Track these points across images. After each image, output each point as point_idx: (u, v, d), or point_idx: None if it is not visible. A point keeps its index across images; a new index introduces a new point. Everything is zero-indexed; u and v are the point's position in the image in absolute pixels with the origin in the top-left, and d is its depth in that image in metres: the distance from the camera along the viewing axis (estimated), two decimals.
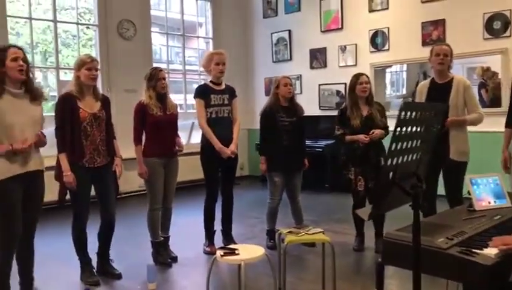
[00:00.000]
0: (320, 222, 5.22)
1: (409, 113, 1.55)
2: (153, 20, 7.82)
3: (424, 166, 1.80)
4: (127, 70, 7.04)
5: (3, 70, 2.96)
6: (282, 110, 4.39)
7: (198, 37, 8.76)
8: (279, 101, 4.40)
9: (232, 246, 3.18)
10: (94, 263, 3.80)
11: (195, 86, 8.92)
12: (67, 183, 3.50)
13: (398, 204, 1.77)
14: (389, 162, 1.56)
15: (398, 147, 1.57)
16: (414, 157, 1.67)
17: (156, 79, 4.01)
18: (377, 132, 4.11)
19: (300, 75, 7.95)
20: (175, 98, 7.77)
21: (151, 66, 7.25)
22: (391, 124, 4.21)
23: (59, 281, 3.75)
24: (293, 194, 4.52)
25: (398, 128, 1.54)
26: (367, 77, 4.31)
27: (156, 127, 4.01)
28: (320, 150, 7.02)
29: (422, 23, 6.60)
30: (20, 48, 3.07)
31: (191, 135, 7.87)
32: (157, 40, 8.22)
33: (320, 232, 3.42)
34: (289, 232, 3.41)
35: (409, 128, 1.60)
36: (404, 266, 2.11)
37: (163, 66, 8.03)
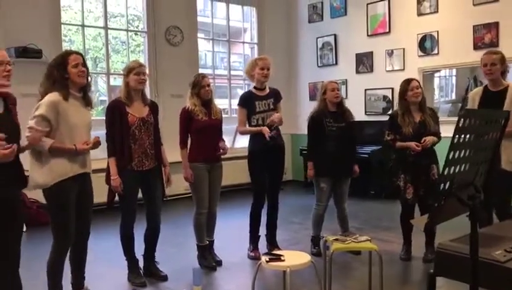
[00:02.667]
0: (365, 229, 5.12)
1: (468, 120, 1.49)
2: (199, 26, 7.94)
3: (482, 175, 1.72)
4: (173, 76, 7.17)
5: (66, 76, 3.08)
6: (329, 115, 4.34)
7: (243, 42, 8.83)
8: (327, 106, 4.36)
9: (277, 252, 3.16)
10: (141, 264, 3.87)
11: (239, 90, 9.08)
12: (114, 187, 3.60)
13: (454, 214, 1.71)
14: (446, 171, 1.50)
15: (456, 156, 1.52)
16: (472, 167, 1.61)
17: (199, 86, 4.06)
18: (429, 139, 3.98)
19: (346, 80, 7.85)
20: (220, 103, 7.90)
21: (197, 71, 7.41)
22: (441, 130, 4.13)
23: (107, 281, 3.85)
24: (340, 200, 4.46)
25: (457, 136, 1.48)
26: (418, 81, 4.20)
27: (201, 132, 4.05)
28: (366, 156, 6.90)
29: (474, 26, 6.38)
30: (79, 54, 3.19)
31: (235, 139, 7.92)
32: (203, 45, 8.33)
33: (367, 240, 3.35)
34: (335, 239, 3.36)
35: (468, 137, 1.54)
36: (458, 278, 2.04)
37: (208, 71, 8.17)
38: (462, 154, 1.54)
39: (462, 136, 1.51)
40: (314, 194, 4.48)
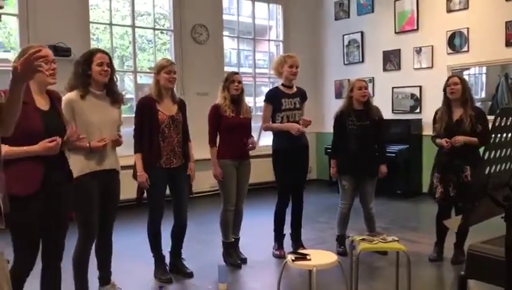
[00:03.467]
0: (392, 230, 5.05)
1: (504, 119, 1.44)
2: (224, 24, 7.95)
3: None
4: (199, 74, 7.21)
5: (89, 74, 3.12)
6: (354, 113, 4.29)
7: (269, 40, 8.80)
8: (353, 104, 4.31)
9: (303, 251, 3.14)
10: (167, 260, 3.90)
11: (264, 88, 9.06)
12: (140, 183, 3.63)
13: (489, 216, 1.66)
14: (482, 171, 1.46)
15: (492, 156, 1.47)
16: (508, 167, 1.56)
17: (230, 81, 4.07)
18: (460, 138, 3.89)
19: (373, 78, 7.75)
20: (246, 100, 7.90)
21: (223, 69, 7.45)
22: None
23: (134, 276, 3.89)
24: (365, 200, 4.41)
25: (493, 136, 1.44)
26: (459, 78, 4.09)
27: (229, 129, 4.06)
28: (393, 155, 6.79)
29: (507, 22, 6.21)
30: (106, 54, 3.22)
31: (259, 137, 7.91)
32: (228, 43, 8.35)
33: (395, 240, 3.30)
34: (362, 239, 3.32)
35: (504, 136, 1.49)
36: (491, 281, 1.99)
37: (233, 69, 8.16)
38: (498, 154, 1.49)
39: (499, 135, 1.46)
40: (339, 193, 4.44)
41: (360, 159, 4.25)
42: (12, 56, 7.00)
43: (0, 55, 6.10)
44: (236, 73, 4.18)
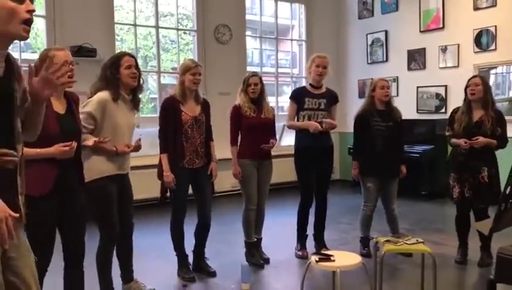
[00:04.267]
0: (416, 231, 4.97)
1: None
2: (247, 24, 7.95)
3: None
4: (221, 74, 7.23)
5: (118, 77, 3.15)
6: (377, 114, 4.25)
7: (291, 40, 8.77)
8: (375, 104, 4.26)
9: (327, 252, 3.12)
10: (191, 259, 3.92)
11: (286, 88, 9.04)
12: (167, 182, 3.65)
13: None
14: None
15: None
16: None
17: (246, 84, 4.08)
18: (482, 140, 3.82)
19: (397, 77, 7.65)
20: (268, 100, 7.89)
21: (245, 69, 7.45)
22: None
23: (157, 274, 3.92)
24: (388, 201, 4.35)
25: None
26: (481, 79, 4.02)
27: (250, 129, 4.06)
28: (417, 155, 6.70)
29: None
30: (133, 56, 3.25)
31: (281, 137, 7.89)
32: (250, 43, 8.35)
33: (420, 242, 3.25)
34: (387, 241, 3.28)
35: None
36: None
37: (256, 69, 8.14)
38: None
39: None
40: (362, 195, 4.40)
41: (384, 160, 4.20)
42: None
43: (28, 56, 6.22)
44: (255, 75, 4.16)
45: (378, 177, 4.27)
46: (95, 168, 3.06)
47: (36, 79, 1.76)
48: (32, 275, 1.89)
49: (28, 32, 1.69)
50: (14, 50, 5.89)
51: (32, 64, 1.82)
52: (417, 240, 3.28)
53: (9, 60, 1.76)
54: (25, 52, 6.22)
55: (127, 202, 3.32)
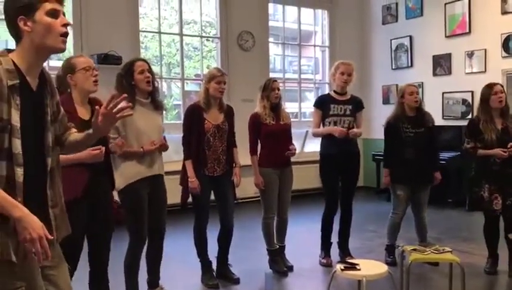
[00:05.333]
0: (443, 240, 4.88)
1: None
2: (269, 30, 7.96)
3: None
4: (244, 81, 7.23)
5: (132, 83, 3.19)
6: (407, 120, 4.18)
7: (314, 45, 8.75)
8: (405, 111, 4.20)
9: (352, 260, 3.08)
10: (214, 266, 3.92)
11: (308, 94, 9.00)
12: (192, 188, 3.66)
13: None
14: None
15: None
16: None
17: (270, 89, 4.05)
18: None
19: (422, 83, 7.53)
20: (289, 106, 7.87)
21: (268, 75, 7.44)
22: None
23: (181, 281, 3.92)
24: (419, 209, 4.27)
25: None
26: (501, 86, 3.95)
27: (270, 136, 4.04)
28: (444, 162, 6.56)
29: None
30: (145, 61, 3.30)
31: (304, 143, 7.86)
32: (272, 49, 8.35)
33: (448, 251, 3.18)
34: (413, 249, 3.21)
35: None
36: None
37: (278, 75, 8.18)
38: None
39: None
40: (391, 202, 4.33)
41: (415, 167, 4.12)
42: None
43: (54, 63, 6.34)
44: (275, 80, 4.16)
45: (408, 184, 4.20)
46: (127, 172, 3.10)
47: (101, 118, 1.85)
48: (67, 284, 1.92)
49: (65, 43, 1.77)
50: None
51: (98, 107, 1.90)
52: (444, 249, 3.21)
53: (43, 75, 1.82)
54: (52, 60, 6.34)
55: (160, 206, 3.33)
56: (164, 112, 3.52)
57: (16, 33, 1.74)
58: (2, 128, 1.64)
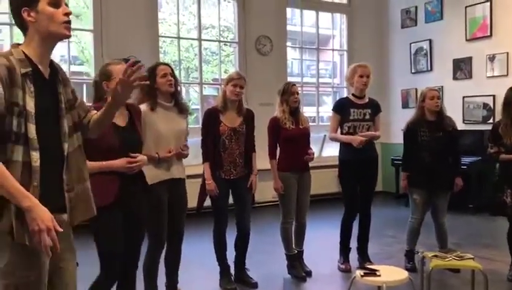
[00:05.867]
0: (464, 246, 4.79)
1: None
2: (287, 34, 7.96)
3: None
4: (262, 85, 7.23)
5: (155, 87, 3.22)
6: (426, 124, 4.13)
7: (332, 50, 8.72)
8: (425, 115, 4.15)
9: (372, 266, 3.05)
10: (232, 270, 3.92)
11: (325, 98, 8.97)
12: (209, 190, 3.67)
13: None
14: None
15: None
16: None
17: (289, 93, 4.05)
18: None
19: (442, 87, 7.44)
20: (307, 110, 7.86)
21: (286, 80, 7.43)
22: None
23: (199, 285, 3.93)
24: (437, 215, 4.22)
25: None
26: None
27: (289, 141, 4.03)
28: (465, 167, 6.47)
29: None
30: (167, 64, 3.33)
31: (322, 147, 7.83)
32: (290, 54, 8.35)
33: (470, 258, 3.13)
34: (434, 255, 3.17)
35: None
36: None
37: (296, 79, 8.17)
38: None
39: None
40: (409, 207, 4.28)
41: (433, 172, 4.07)
42: (87, 69, 7.39)
43: (76, 68, 6.44)
44: (294, 84, 4.15)
45: (425, 189, 4.15)
46: (146, 175, 3.11)
47: (120, 88, 1.92)
48: (72, 279, 1.95)
49: (69, 30, 1.85)
50: (63, 62, 6.12)
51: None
52: (466, 256, 3.16)
53: (52, 65, 1.91)
54: (73, 65, 6.45)
55: (179, 209, 3.34)
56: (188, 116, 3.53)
57: (21, 24, 1.83)
58: (18, 113, 1.72)
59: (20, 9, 1.80)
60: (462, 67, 7.27)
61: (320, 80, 8.55)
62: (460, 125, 7.03)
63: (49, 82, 1.87)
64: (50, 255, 1.71)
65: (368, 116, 4.21)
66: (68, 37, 1.87)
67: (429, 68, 7.77)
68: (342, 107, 4.27)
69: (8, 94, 1.70)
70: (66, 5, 1.86)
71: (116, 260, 2.70)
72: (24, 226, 1.68)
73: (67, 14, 1.83)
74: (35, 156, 1.73)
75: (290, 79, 7.54)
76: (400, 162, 5.21)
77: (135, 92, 3.28)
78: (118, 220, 2.69)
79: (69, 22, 1.84)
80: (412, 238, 4.27)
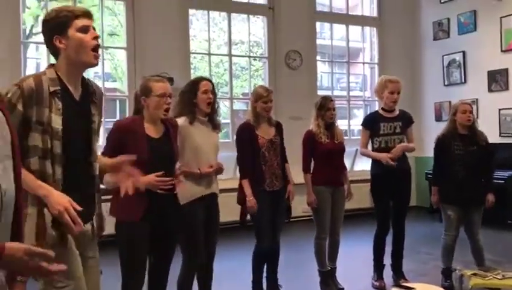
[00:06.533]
0: (503, 263, 4.62)
1: None
2: (317, 48, 7.95)
3: None
4: (292, 99, 7.22)
5: (195, 101, 3.25)
6: (459, 138, 4.04)
7: (363, 63, 8.66)
8: (457, 128, 4.06)
9: (408, 284, 2.97)
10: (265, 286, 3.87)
11: (356, 111, 8.88)
12: (250, 207, 3.61)
13: None
14: None
15: None
16: None
17: (326, 108, 4.02)
18: None
19: (477, 99, 7.27)
20: (338, 124, 7.79)
21: (316, 93, 7.41)
22: None
23: None
24: (471, 231, 4.08)
25: None
26: None
27: (325, 155, 4.00)
28: (502, 181, 6.28)
29: None
30: (209, 80, 3.36)
31: (354, 161, 7.73)
32: (320, 67, 8.33)
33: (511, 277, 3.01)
34: (474, 274, 3.07)
35: None
36: None
37: (326, 92, 8.09)
38: None
39: None
40: (443, 223, 4.17)
41: (466, 187, 3.96)
42: (120, 86, 7.55)
43: (110, 84, 6.59)
44: (332, 99, 4.12)
45: (459, 205, 4.04)
46: (186, 191, 3.12)
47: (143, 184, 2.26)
48: (95, 282, 2.06)
49: (97, 58, 1.95)
50: (97, 79, 6.27)
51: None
52: (507, 275, 3.04)
53: (85, 84, 2.01)
54: (107, 82, 6.60)
55: (213, 229, 3.34)
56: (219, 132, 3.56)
57: (54, 51, 1.94)
58: (43, 131, 1.82)
59: (53, 37, 1.91)
60: (497, 79, 7.10)
61: (351, 93, 8.48)
62: (496, 139, 6.89)
63: (80, 102, 1.96)
64: (76, 232, 1.78)
65: (398, 130, 4.14)
66: (95, 65, 1.97)
67: (463, 80, 7.62)
68: (371, 122, 4.21)
69: (31, 113, 1.81)
70: (94, 29, 1.96)
71: (141, 273, 2.72)
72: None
73: (96, 38, 1.93)
74: (59, 170, 1.86)
75: (320, 92, 7.49)
76: None
77: (173, 104, 3.35)
78: (146, 236, 2.70)
79: (97, 47, 1.93)
80: (447, 256, 4.13)
